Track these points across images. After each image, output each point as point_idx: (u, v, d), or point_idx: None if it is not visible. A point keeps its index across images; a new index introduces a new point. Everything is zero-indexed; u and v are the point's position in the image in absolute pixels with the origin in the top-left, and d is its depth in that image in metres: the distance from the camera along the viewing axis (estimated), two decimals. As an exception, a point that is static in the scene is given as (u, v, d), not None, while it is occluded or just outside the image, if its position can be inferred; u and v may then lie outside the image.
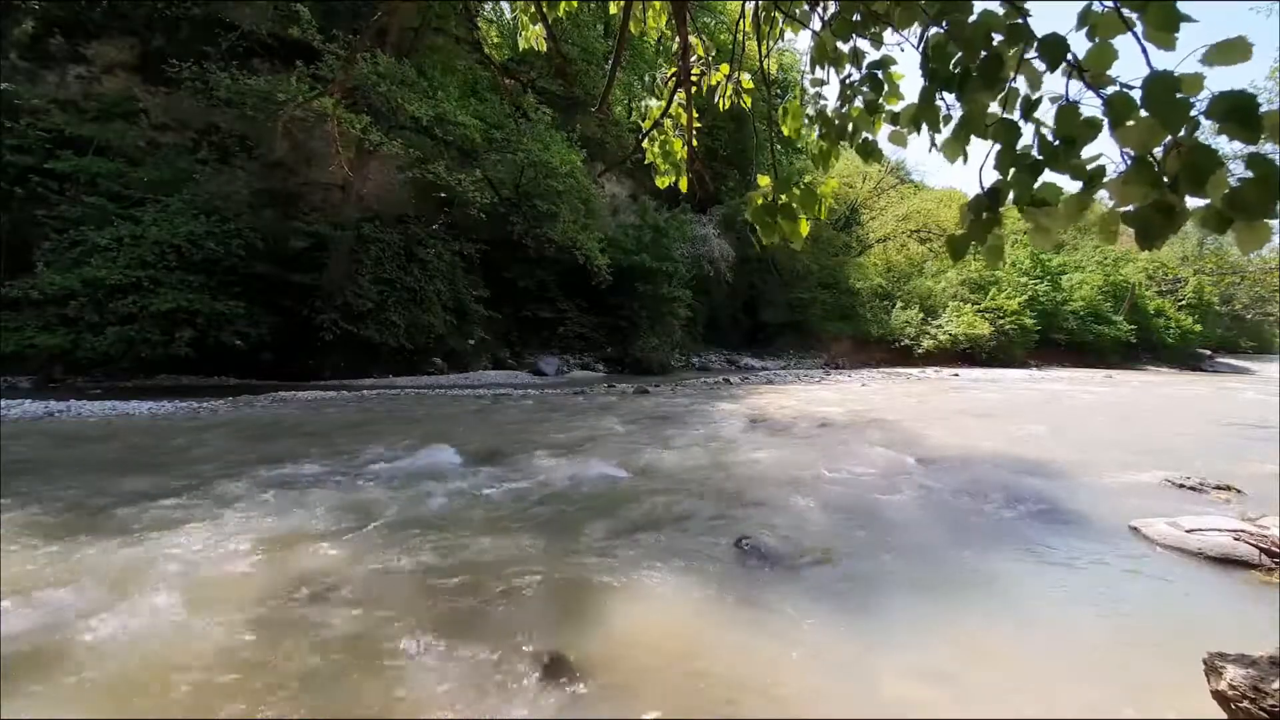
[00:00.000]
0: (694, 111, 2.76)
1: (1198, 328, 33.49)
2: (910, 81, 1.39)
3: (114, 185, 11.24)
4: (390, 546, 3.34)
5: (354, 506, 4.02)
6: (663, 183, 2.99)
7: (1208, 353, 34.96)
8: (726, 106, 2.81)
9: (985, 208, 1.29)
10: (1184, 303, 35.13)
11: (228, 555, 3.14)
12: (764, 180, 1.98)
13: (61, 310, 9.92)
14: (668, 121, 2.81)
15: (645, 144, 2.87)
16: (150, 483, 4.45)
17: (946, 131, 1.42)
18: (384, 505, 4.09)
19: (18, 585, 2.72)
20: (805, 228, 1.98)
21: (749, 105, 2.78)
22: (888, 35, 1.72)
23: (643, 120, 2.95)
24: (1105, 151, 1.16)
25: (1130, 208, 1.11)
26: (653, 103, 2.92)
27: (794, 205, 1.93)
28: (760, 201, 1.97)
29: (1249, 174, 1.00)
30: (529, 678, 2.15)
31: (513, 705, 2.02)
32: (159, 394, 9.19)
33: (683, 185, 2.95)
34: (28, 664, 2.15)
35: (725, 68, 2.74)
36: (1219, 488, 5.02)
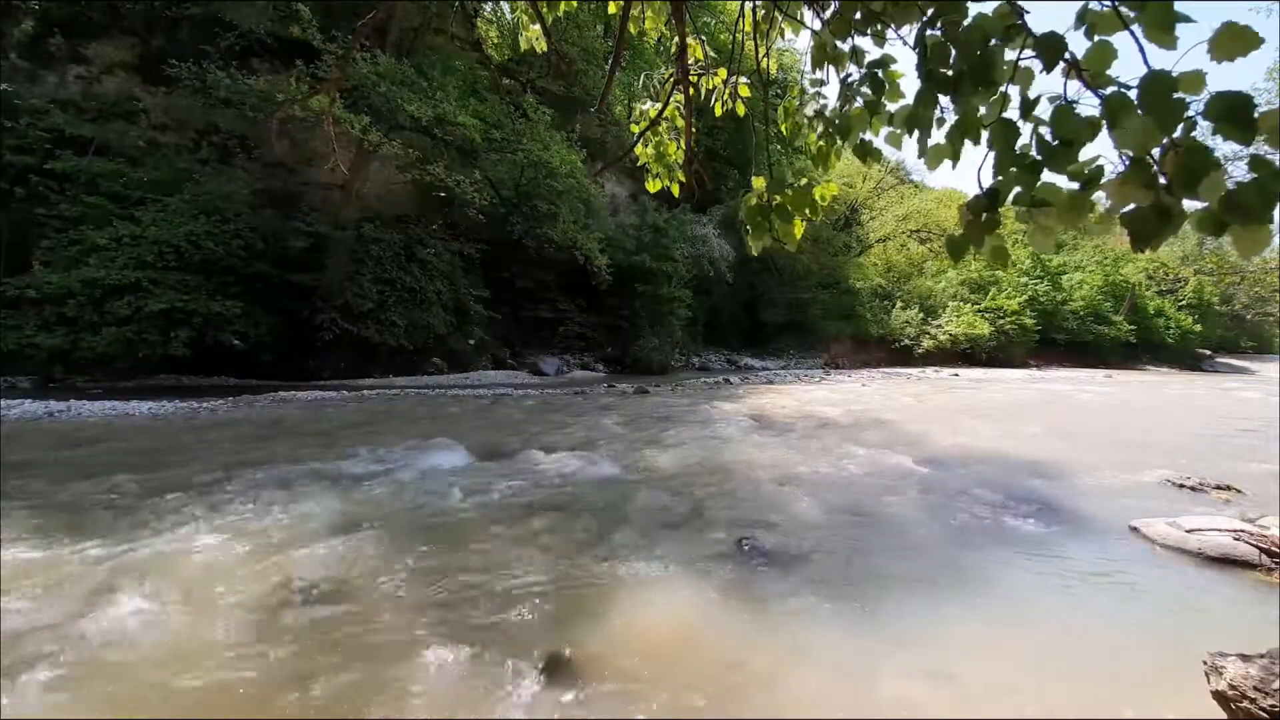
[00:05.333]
0: (692, 112, 2.75)
1: (1198, 328, 33.52)
2: (910, 81, 1.39)
3: (114, 185, 11.24)
4: (390, 546, 3.34)
5: (354, 506, 4.02)
6: (653, 186, 2.98)
7: (1208, 353, 34.98)
8: (724, 111, 2.80)
9: (984, 208, 1.29)
10: (1184, 303, 35.16)
11: (228, 555, 3.14)
12: (759, 182, 1.98)
13: (60, 310, 9.91)
14: (663, 123, 2.81)
15: (639, 146, 2.87)
16: (150, 483, 4.44)
17: (940, 134, 1.42)
18: (384, 505, 4.09)
19: (18, 585, 2.72)
20: (800, 229, 1.97)
21: (743, 112, 2.77)
22: (888, 33, 1.72)
23: (637, 122, 2.93)
24: (1105, 153, 1.15)
25: (1127, 209, 1.10)
26: (647, 105, 2.91)
27: (788, 206, 1.92)
28: (754, 202, 1.97)
29: (1249, 176, 0.99)
30: (529, 678, 2.15)
31: (513, 705, 2.02)
32: (159, 394, 9.19)
33: (674, 190, 2.94)
34: (28, 664, 2.15)
35: (723, 71, 2.74)
36: (1219, 488, 5.02)
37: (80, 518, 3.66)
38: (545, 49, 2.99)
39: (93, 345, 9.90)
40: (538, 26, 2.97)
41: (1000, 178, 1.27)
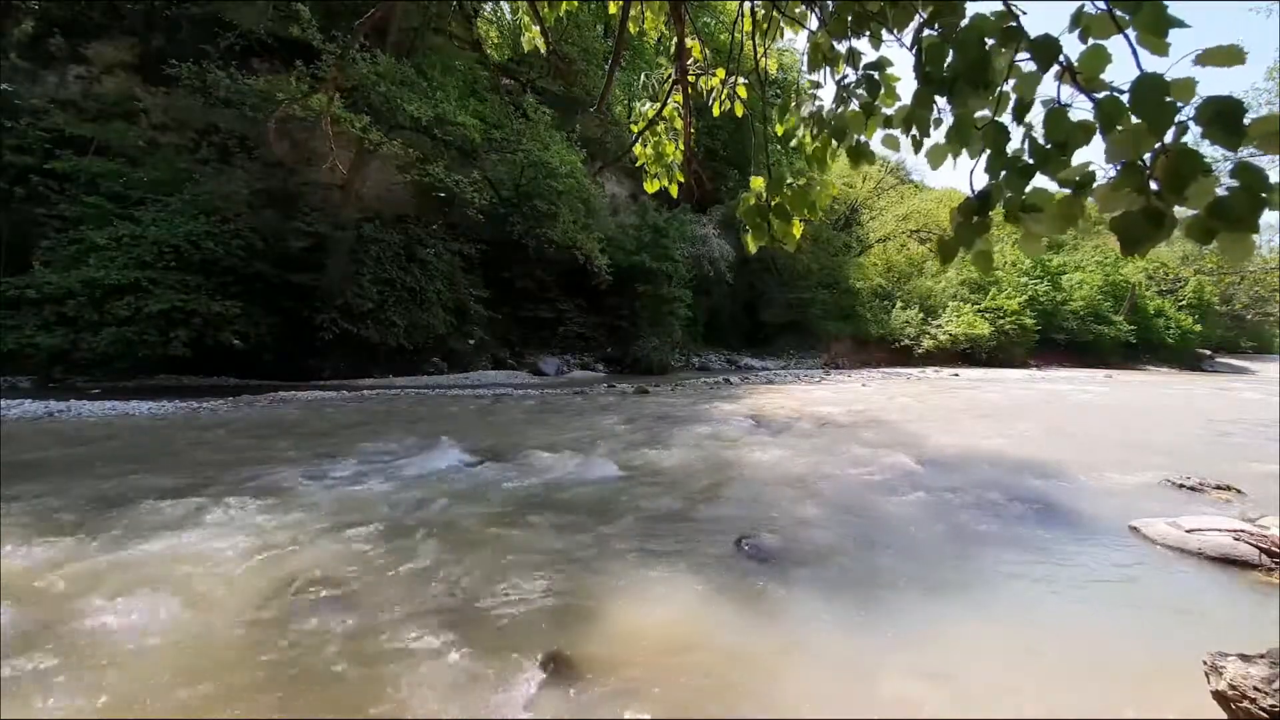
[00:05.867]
0: (691, 112, 2.75)
1: (1198, 328, 33.49)
2: (906, 84, 1.39)
3: (114, 185, 11.24)
4: (390, 546, 3.34)
5: (354, 506, 4.03)
6: (651, 187, 2.98)
7: (1208, 353, 34.97)
8: (722, 111, 2.80)
9: (975, 212, 1.28)
10: (1184, 303, 35.14)
11: (227, 555, 3.14)
12: (756, 182, 1.98)
13: (60, 310, 9.92)
14: (661, 123, 2.81)
15: (637, 147, 2.87)
16: (149, 483, 4.45)
17: (937, 135, 1.41)
18: (384, 505, 4.09)
19: (18, 585, 2.72)
20: (798, 229, 1.97)
21: (741, 113, 2.77)
22: (885, 35, 1.71)
23: (635, 123, 2.93)
24: (1098, 158, 1.15)
25: (1118, 213, 1.09)
26: (646, 106, 2.91)
27: (786, 207, 1.92)
28: (752, 202, 1.97)
29: (1236, 182, 0.98)
30: (529, 678, 2.15)
31: (513, 705, 2.02)
32: (159, 394, 9.20)
33: (673, 190, 2.94)
34: (28, 664, 2.15)
35: (721, 72, 2.74)
36: (1219, 488, 5.01)
37: (80, 518, 3.66)
38: (544, 49, 2.99)
39: (93, 345, 9.91)
40: (538, 27, 2.98)
41: (992, 181, 1.26)
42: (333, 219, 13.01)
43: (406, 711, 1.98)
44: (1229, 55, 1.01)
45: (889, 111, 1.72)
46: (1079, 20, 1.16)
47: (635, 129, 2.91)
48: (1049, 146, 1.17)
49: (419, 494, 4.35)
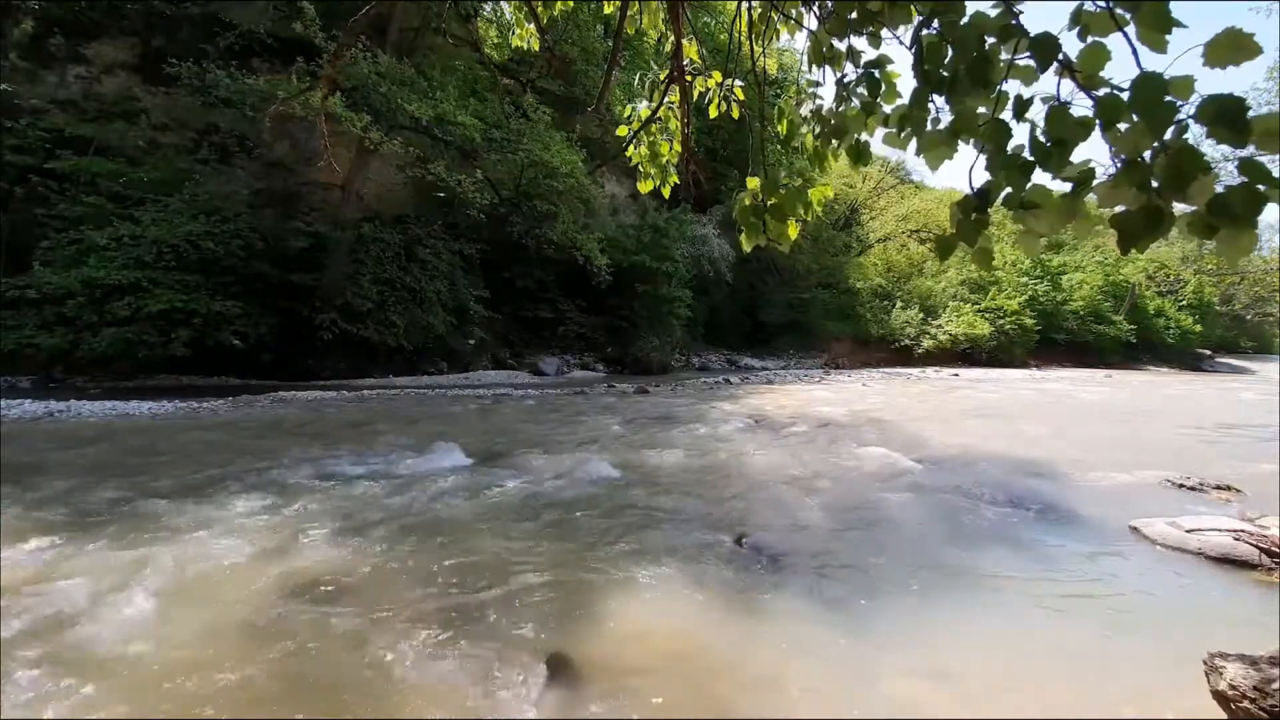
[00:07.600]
0: (689, 112, 2.75)
1: (1198, 328, 33.46)
2: (907, 82, 1.39)
3: (114, 185, 11.24)
4: (390, 546, 3.34)
5: (354, 506, 4.02)
6: (645, 187, 2.97)
7: (1208, 353, 34.93)
8: (719, 112, 2.79)
9: (974, 209, 1.28)
10: (1184, 303, 35.12)
11: (227, 555, 3.14)
12: (752, 182, 1.98)
13: (60, 310, 9.92)
14: (655, 123, 2.80)
15: (630, 149, 2.86)
16: (150, 483, 4.44)
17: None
18: (384, 505, 4.09)
19: (17, 585, 2.72)
20: (794, 230, 1.97)
21: (738, 115, 2.77)
22: (884, 34, 1.71)
23: (628, 123, 2.92)
24: (1096, 155, 1.14)
25: (1118, 210, 1.09)
26: (642, 105, 2.90)
27: (782, 207, 1.92)
28: (748, 202, 1.96)
29: (1238, 180, 0.97)
30: (529, 677, 2.15)
31: (513, 705, 2.01)
32: (159, 394, 9.19)
33: (665, 191, 2.93)
34: (28, 664, 2.15)
35: (718, 74, 2.74)
36: (1219, 488, 5.01)
37: (80, 518, 3.66)
38: (539, 47, 2.98)
39: (93, 345, 9.91)
40: (533, 25, 2.97)
41: (991, 178, 1.26)
42: (332, 219, 13.01)
43: (406, 711, 1.98)
44: (1239, 46, 0.98)
45: (889, 109, 1.72)
46: (1079, 18, 1.16)
47: (624, 131, 2.88)
48: (1049, 144, 1.16)
49: (419, 494, 4.35)
